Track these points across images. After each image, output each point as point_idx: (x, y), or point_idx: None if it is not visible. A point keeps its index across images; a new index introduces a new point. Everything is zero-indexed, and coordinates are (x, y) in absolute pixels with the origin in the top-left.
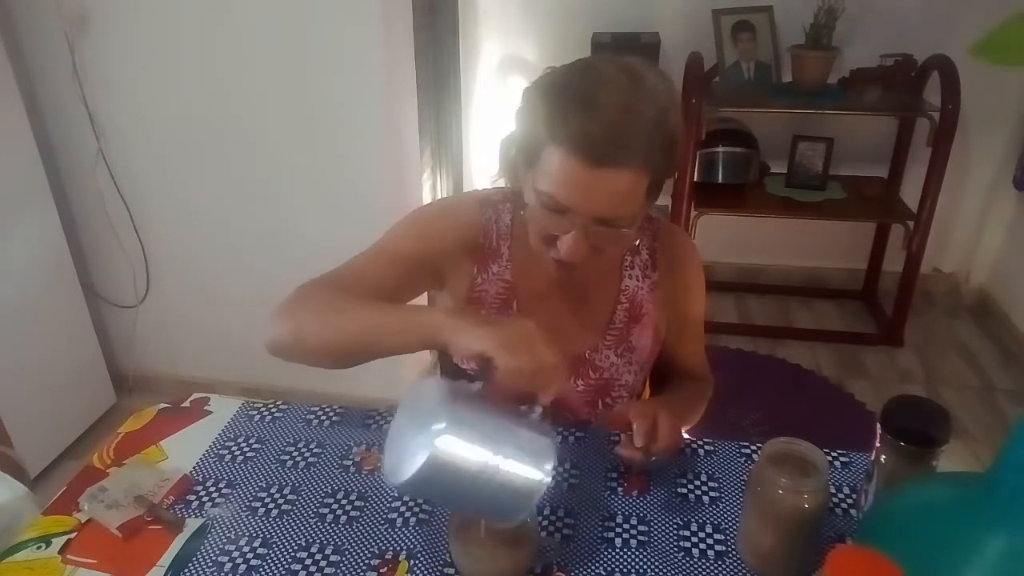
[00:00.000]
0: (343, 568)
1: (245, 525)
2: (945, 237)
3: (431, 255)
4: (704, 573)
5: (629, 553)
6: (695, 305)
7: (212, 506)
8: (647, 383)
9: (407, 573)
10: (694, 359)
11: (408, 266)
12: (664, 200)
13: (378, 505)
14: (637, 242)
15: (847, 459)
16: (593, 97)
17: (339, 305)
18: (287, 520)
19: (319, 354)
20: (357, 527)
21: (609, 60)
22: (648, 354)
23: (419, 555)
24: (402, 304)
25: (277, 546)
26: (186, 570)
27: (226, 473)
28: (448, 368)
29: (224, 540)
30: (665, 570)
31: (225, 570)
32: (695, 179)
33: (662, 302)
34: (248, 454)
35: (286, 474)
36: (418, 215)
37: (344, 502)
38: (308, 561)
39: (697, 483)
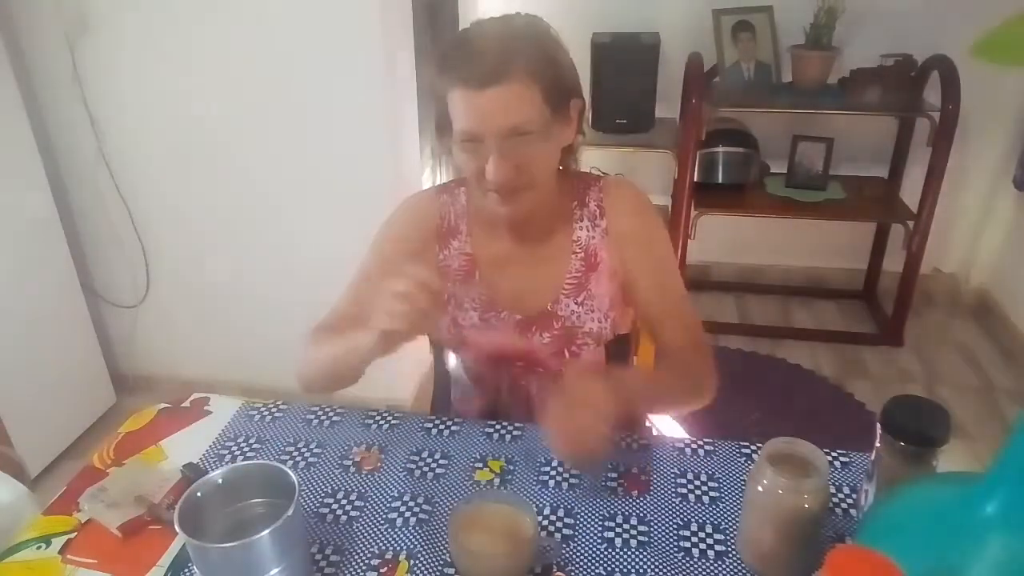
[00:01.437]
0: (343, 568)
1: None
2: (945, 237)
3: (403, 258)
4: (704, 573)
5: (629, 553)
6: (649, 249)
7: None
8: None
9: (407, 573)
10: (669, 318)
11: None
12: (664, 200)
13: (378, 505)
14: (586, 198)
15: (847, 459)
16: (468, 41)
17: (331, 347)
18: None
19: (324, 386)
20: (357, 527)
21: (489, 16)
22: (609, 301)
23: (419, 555)
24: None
25: None
26: (186, 570)
27: None
28: (440, 373)
29: None
30: (665, 570)
31: None
32: (695, 179)
33: (615, 248)
34: (248, 454)
35: None
36: (383, 228)
37: (344, 502)
38: None
39: (697, 483)
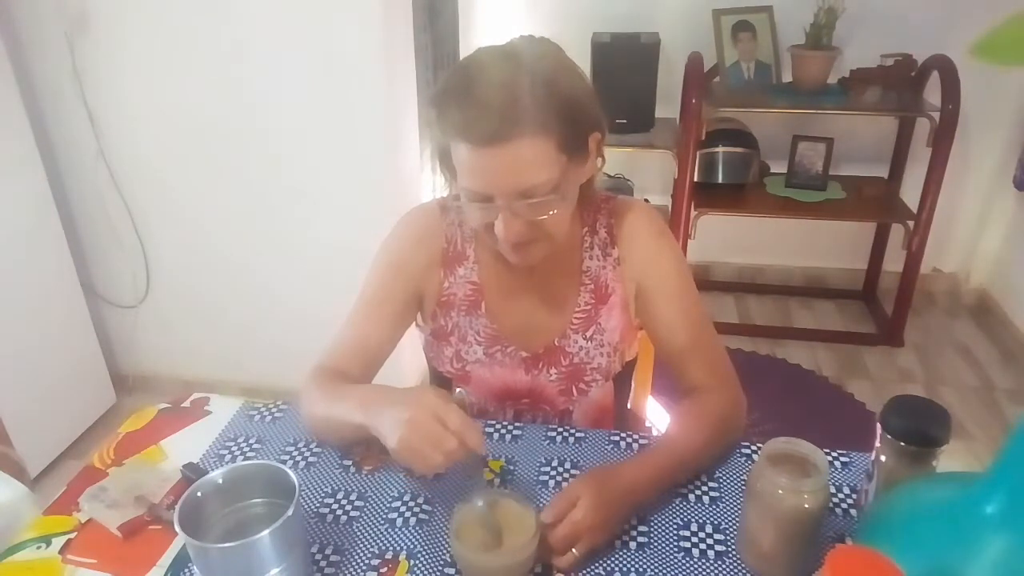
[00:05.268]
0: (343, 568)
1: None
2: (945, 237)
3: (406, 283)
4: (704, 573)
5: (629, 553)
6: (663, 275)
7: None
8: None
9: (407, 573)
10: (692, 354)
11: (391, 306)
12: (664, 200)
13: (378, 505)
14: (595, 222)
15: (847, 459)
16: (472, 85)
17: (321, 406)
18: None
19: (329, 442)
20: (357, 527)
21: (492, 47)
22: (620, 334)
23: (419, 555)
24: (355, 394)
25: None
26: (186, 570)
27: None
28: (435, 377)
29: None
30: (665, 570)
31: None
32: (695, 179)
33: (628, 278)
34: (248, 454)
35: None
36: (384, 251)
37: (344, 502)
38: None
39: (697, 483)
